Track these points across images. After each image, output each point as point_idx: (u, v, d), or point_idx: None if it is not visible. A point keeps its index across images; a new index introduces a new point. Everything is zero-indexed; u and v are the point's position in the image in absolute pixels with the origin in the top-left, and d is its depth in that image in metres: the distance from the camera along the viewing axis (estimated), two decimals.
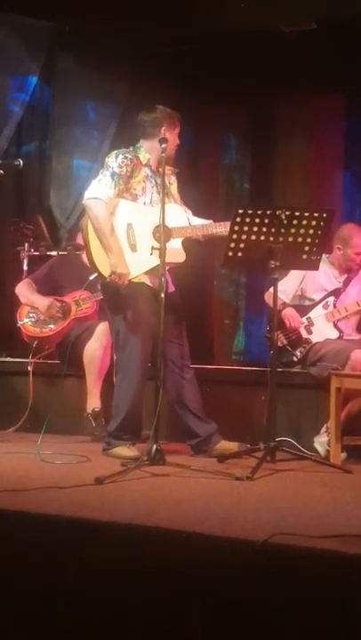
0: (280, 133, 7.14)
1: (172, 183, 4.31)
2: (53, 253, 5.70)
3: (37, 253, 5.76)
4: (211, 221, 4.23)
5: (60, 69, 6.42)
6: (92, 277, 4.54)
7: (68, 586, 2.53)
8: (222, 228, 4.10)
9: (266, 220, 3.85)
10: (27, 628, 2.56)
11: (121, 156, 4.11)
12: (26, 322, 5.06)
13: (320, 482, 3.62)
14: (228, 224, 3.96)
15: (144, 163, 4.19)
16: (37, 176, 6.39)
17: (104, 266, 4.10)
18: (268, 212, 3.86)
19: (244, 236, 3.86)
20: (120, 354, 4.21)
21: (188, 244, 4.20)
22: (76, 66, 6.42)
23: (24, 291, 5.10)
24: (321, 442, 4.42)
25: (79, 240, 5.99)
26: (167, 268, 4.03)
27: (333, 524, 2.59)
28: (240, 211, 3.87)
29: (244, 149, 7.35)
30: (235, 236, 3.87)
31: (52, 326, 5.00)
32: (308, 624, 2.21)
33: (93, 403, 4.73)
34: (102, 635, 2.47)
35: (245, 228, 3.85)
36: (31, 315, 5.05)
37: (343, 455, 4.20)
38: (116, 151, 4.18)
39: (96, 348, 4.71)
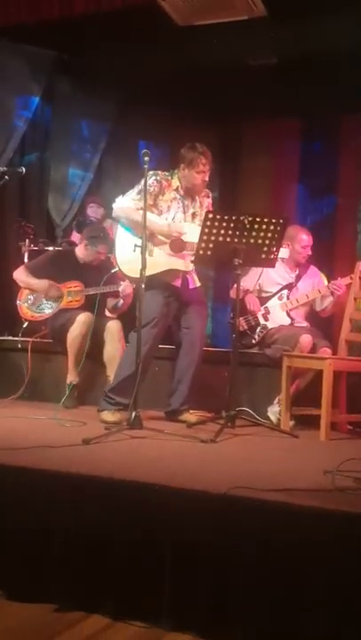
0: (245, 150, 7.15)
1: (202, 205, 4.25)
2: (50, 249, 5.67)
3: (37, 249, 5.71)
4: None
5: (59, 91, 6.37)
6: (113, 271, 4.54)
7: (58, 530, 2.53)
8: None
9: (231, 224, 3.85)
10: (24, 564, 2.57)
11: (153, 178, 4.08)
12: (23, 304, 5.03)
13: (272, 445, 3.64)
14: None
15: (174, 187, 4.16)
16: (38, 182, 6.33)
17: (127, 265, 4.09)
18: (234, 217, 3.86)
19: (212, 237, 3.85)
20: (137, 332, 4.16)
21: None
22: (72, 88, 6.38)
23: (23, 276, 5.02)
24: (273, 411, 4.44)
25: (73, 238, 5.99)
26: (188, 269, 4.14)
27: (282, 480, 2.61)
28: (210, 215, 3.86)
29: (213, 163, 7.32)
30: (205, 237, 3.85)
31: (41, 313, 4.97)
32: (258, 563, 2.24)
33: (71, 377, 4.72)
34: (87, 570, 2.48)
35: (214, 231, 3.84)
36: (29, 298, 5.01)
37: (291, 423, 4.23)
38: (151, 172, 4.09)
39: (76, 335, 4.67)
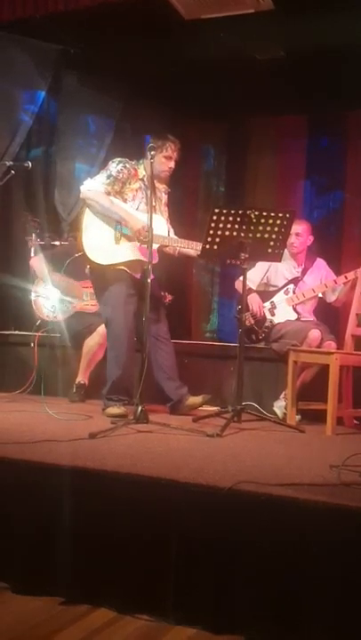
0: (252, 146, 7.13)
1: (161, 200, 4.30)
2: (57, 243, 5.67)
3: (43, 243, 5.72)
4: (185, 240, 4.23)
5: (65, 86, 6.35)
6: (77, 254, 4.55)
7: (63, 524, 2.53)
8: (193, 247, 4.15)
9: (238, 219, 3.84)
10: (29, 558, 2.57)
11: (121, 165, 4.13)
12: (38, 299, 5.02)
13: (278, 439, 3.64)
14: (198, 244, 4.01)
15: (140, 177, 4.18)
16: (44, 177, 6.31)
17: (94, 252, 4.09)
18: (240, 212, 3.85)
19: (219, 232, 3.85)
20: (108, 328, 4.21)
21: (162, 255, 4.21)
22: (78, 83, 6.35)
23: (40, 266, 5.02)
24: (279, 406, 4.43)
25: None
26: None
27: (288, 474, 2.60)
28: (216, 210, 3.85)
29: (220, 159, 7.33)
30: (211, 232, 3.85)
31: (57, 314, 4.94)
32: (263, 557, 2.23)
33: (80, 377, 4.77)
34: (92, 564, 2.47)
35: (220, 225, 3.83)
36: (45, 295, 5.00)
37: (297, 417, 4.23)
38: (119, 159, 4.17)
39: (93, 345, 4.70)
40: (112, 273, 4.08)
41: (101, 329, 4.62)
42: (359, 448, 2.96)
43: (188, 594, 2.30)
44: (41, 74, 5.99)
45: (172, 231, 4.32)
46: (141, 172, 4.20)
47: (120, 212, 4.08)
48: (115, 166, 4.14)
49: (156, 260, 4.11)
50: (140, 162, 4.22)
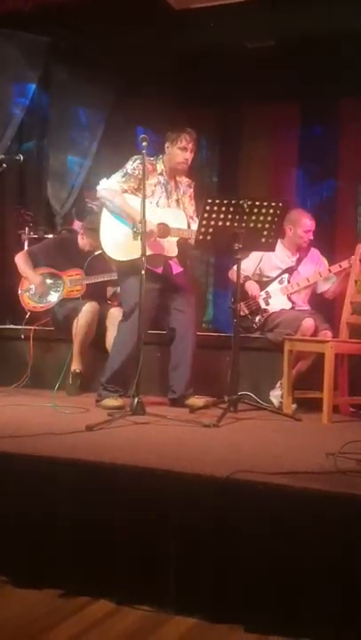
0: (244, 135, 7.10)
1: (185, 193, 4.27)
2: (50, 236, 5.66)
3: (36, 236, 5.70)
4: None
5: (56, 78, 6.32)
6: (96, 253, 4.55)
7: (62, 516, 2.53)
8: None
9: (231, 209, 3.83)
10: (29, 551, 2.57)
11: (138, 161, 4.08)
12: (24, 293, 5.04)
13: (274, 428, 3.65)
14: None
15: (159, 172, 4.17)
16: (36, 170, 6.30)
17: (113, 249, 4.09)
18: (233, 202, 3.84)
19: (212, 222, 3.83)
20: (124, 321, 4.18)
21: (181, 245, 4.18)
22: (69, 75, 6.33)
23: (21, 263, 5.04)
24: (275, 395, 4.44)
25: (74, 226, 5.97)
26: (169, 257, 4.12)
27: (285, 463, 2.61)
28: (209, 200, 3.84)
29: (213, 148, 7.31)
30: (205, 222, 3.84)
31: (43, 304, 4.97)
32: (261, 546, 2.24)
33: (75, 365, 4.74)
34: (91, 555, 2.48)
35: (214, 215, 3.82)
36: (30, 287, 5.03)
37: (294, 406, 4.23)
38: (136, 156, 4.11)
39: (82, 324, 4.68)
40: (133, 269, 4.02)
41: (86, 307, 4.65)
42: (355, 435, 2.96)
43: (187, 584, 2.30)
44: (31, 67, 5.97)
45: (193, 224, 4.24)
46: (160, 166, 4.18)
47: (132, 212, 4.01)
48: (131, 164, 4.11)
49: (175, 253, 4.11)
50: (160, 157, 4.19)
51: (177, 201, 4.20)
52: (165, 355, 4.43)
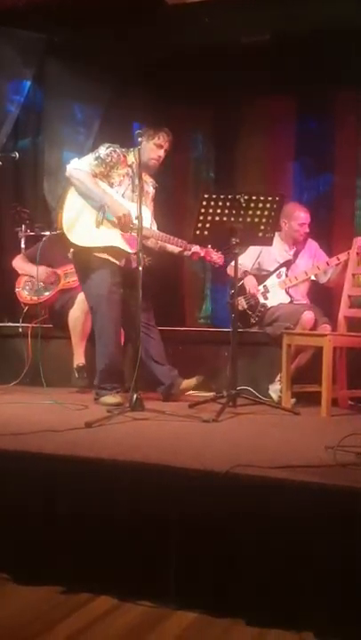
0: (240, 130, 7.07)
1: (148, 193, 4.27)
2: (47, 233, 5.64)
3: (33, 233, 5.69)
4: (169, 236, 4.22)
5: (51, 74, 6.29)
6: (54, 232, 4.56)
7: (62, 513, 2.54)
8: (174, 246, 4.17)
9: (228, 204, 3.83)
10: (30, 548, 2.57)
11: (110, 149, 4.11)
12: (22, 290, 5.05)
13: (273, 423, 3.65)
14: (182, 242, 4.05)
15: (129, 163, 4.16)
16: (32, 167, 6.28)
17: (73, 232, 4.06)
18: (230, 197, 3.84)
19: (209, 217, 3.84)
20: (93, 317, 4.20)
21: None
22: (64, 71, 6.29)
23: (20, 264, 5.08)
24: (274, 389, 4.45)
25: None
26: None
27: (284, 457, 2.61)
28: (206, 196, 3.85)
29: (209, 144, 7.28)
30: (201, 217, 3.84)
31: (40, 296, 4.98)
32: (261, 540, 2.24)
33: (78, 359, 4.72)
34: (92, 552, 2.48)
35: (210, 211, 3.83)
36: (27, 283, 5.03)
37: (293, 400, 4.24)
38: (109, 144, 4.14)
39: (78, 314, 4.68)
40: (95, 260, 4.05)
41: (80, 296, 4.63)
42: (354, 428, 2.97)
43: (188, 579, 2.31)
44: (26, 63, 5.94)
45: (154, 226, 4.28)
46: (130, 158, 4.17)
47: (105, 196, 4.04)
48: (104, 150, 4.12)
49: (134, 250, 4.07)
50: (131, 150, 4.20)
51: (140, 197, 4.16)
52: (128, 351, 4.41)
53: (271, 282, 4.65)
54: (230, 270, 4.34)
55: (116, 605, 2.33)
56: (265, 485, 2.27)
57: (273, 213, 3.93)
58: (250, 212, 3.87)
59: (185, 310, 7.14)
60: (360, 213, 6.43)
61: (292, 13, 5.41)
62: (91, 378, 4.66)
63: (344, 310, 4.33)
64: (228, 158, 7.13)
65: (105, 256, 4.08)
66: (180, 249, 4.21)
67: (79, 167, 4.09)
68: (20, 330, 5.03)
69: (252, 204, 3.87)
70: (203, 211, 3.82)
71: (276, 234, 4.47)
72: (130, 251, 4.10)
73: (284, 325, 4.34)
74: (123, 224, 4.03)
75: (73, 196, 4.11)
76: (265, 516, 2.24)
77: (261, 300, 4.63)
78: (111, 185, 4.12)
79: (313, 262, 4.70)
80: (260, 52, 5.88)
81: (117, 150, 4.13)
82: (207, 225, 3.85)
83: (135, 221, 3.92)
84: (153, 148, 4.16)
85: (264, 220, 3.92)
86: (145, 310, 4.15)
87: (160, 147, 4.16)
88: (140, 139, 3.96)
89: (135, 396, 3.68)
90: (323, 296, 4.83)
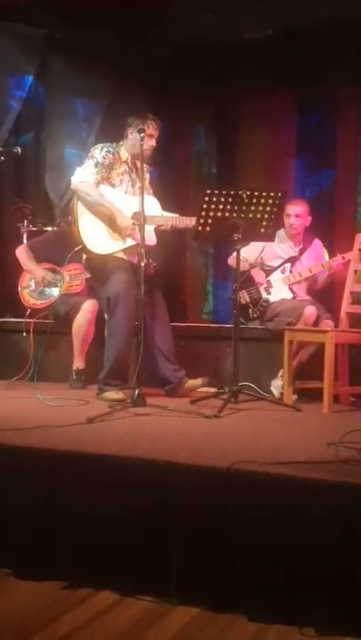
0: (242, 125, 7.06)
1: (146, 179, 4.25)
2: (49, 229, 5.64)
3: (35, 229, 5.68)
4: (178, 215, 4.21)
5: (53, 70, 6.28)
6: (76, 249, 4.53)
7: (64, 508, 2.54)
8: (187, 222, 4.12)
9: (230, 199, 3.82)
10: (31, 543, 2.57)
11: (105, 150, 4.09)
12: (24, 290, 5.04)
13: (275, 418, 3.65)
14: (192, 219, 3.97)
15: (123, 159, 4.15)
16: (34, 162, 6.27)
17: (91, 241, 4.08)
18: (232, 192, 3.83)
19: (211, 213, 3.83)
20: (110, 317, 4.20)
21: (158, 232, 4.17)
22: (66, 67, 6.28)
23: (23, 257, 5.04)
24: (276, 385, 4.45)
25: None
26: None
27: (286, 453, 2.61)
28: (208, 191, 3.84)
29: (211, 139, 7.26)
30: (204, 213, 3.83)
31: (43, 300, 4.97)
32: (263, 536, 2.24)
33: (77, 363, 4.75)
34: (94, 547, 2.48)
35: (213, 206, 3.82)
36: (30, 284, 5.02)
37: (294, 397, 4.24)
38: (101, 144, 4.14)
39: (82, 323, 4.68)
40: (111, 261, 4.07)
41: (86, 305, 4.63)
42: (356, 425, 2.97)
43: (189, 574, 2.31)
44: (28, 59, 5.93)
45: (159, 206, 4.26)
46: (123, 154, 4.17)
47: (110, 207, 4.04)
48: (99, 152, 4.11)
49: (153, 243, 4.09)
50: (120, 144, 4.18)
51: (140, 188, 4.14)
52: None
53: (275, 277, 4.65)
54: (231, 261, 4.33)
55: (118, 601, 2.33)
56: (267, 481, 2.27)
57: (275, 209, 3.92)
58: (252, 208, 3.87)
59: (187, 306, 7.14)
60: None
61: (293, 9, 5.39)
62: (87, 381, 4.69)
63: (346, 307, 4.32)
64: (229, 154, 7.12)
65: (120, 255, 4.09)
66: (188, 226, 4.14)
67: (84, 180, 4.09)
68: (23, 327, 5.01)
69: (255, 200, 3.86)
70: (205, 206, 3.81)
71: (281, 230, 4.48)
72: (148, 244, 4.08)
73: (286, 321, 4.34)
74: (127, 234, 4.05)
75: (82, 207, 4.13)
76: (267, 511, 2.24)
77: (264, 295, 4.62)
78: (113, 186, 4.13)
79: (317, 260, 4.70)
80: (261, 48, 5.87)
81: (110, 149, 4.12)
82: (209, 220, 3.85)
83: (146, 213, 3.93)
84: (145, 139, 4.14)
85: (266, 216, 3.92)
86: (153, 305, 4.15)
87: (150, 136, 4.12)
88: (129, 129, 3.97)
89: (137, 392, 3.68)
90: (324, 293, 4.82)
